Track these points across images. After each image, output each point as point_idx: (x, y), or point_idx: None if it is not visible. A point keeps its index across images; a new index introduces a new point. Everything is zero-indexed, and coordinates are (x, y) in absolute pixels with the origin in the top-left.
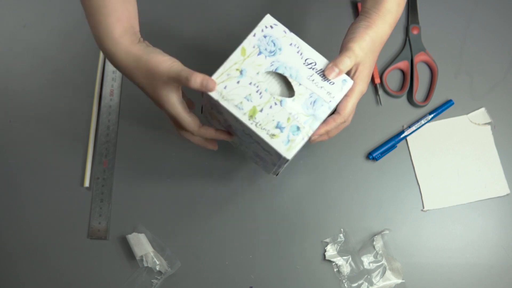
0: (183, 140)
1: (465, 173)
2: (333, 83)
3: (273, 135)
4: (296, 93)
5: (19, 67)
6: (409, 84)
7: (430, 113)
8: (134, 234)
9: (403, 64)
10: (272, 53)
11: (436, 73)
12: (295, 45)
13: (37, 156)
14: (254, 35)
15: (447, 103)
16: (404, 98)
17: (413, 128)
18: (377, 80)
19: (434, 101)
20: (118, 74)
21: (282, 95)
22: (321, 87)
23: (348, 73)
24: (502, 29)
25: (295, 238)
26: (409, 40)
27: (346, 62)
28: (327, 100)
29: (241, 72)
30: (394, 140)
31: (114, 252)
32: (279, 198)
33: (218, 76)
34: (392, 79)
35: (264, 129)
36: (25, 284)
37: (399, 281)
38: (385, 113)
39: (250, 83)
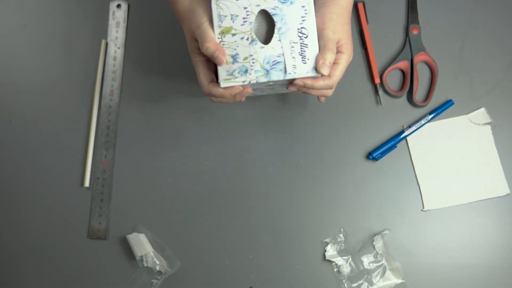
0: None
1: (465, 173)
2: (305, 63)
3: (226, 61)
4: (270, 44)
5: (19, 67)
6: (409, 84)
7: (430, 113)
8: (134, 234)
9: (403, 64)
10: (284, 1)
11: (436, 73)
12: (305, 10)
13: (37, 156)
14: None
15: (447, 103)
16: (404, 98)
17: (413, 128)
18: (377, 80)
19: (434, 101)
20: (118, 74)
21: (258, 36)
22: (293, 57)
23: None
24: (502, 29)
25: (295, 238)
26: (409, 40)
27: (331, 55)
28: (288, 70)
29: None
30: (394, 140)
31: (114, 252)
32: (279, 198)
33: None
34: (392, 79)
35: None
36: (25, 284)
37: (399, 281)
38: (385, 113)
39: (245, 8)
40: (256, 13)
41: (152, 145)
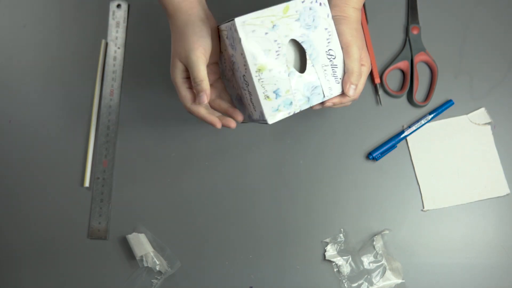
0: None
1: (465, 173)
2: (338, 83)
3: (267, 97)
4: (306, 72)
5: (19, 67)
6: (409, 84)
7: (430, 113)
8: (134, 234)
9: (403, 64)
10: (308, 27)
11: (436, 73)
12: (328, 32)
13: (37, 156)
14: (303, 2)
15: (447, 103)
16: (404, 98)
17: (413, 128)
18: (377, 80)
19: (434, 101)
20: (118, 74)
21: (294, 66)
22: (328, 80)
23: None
24: (502, 29)
25: (295, 238)
26: (409, 40)
27: (356, 78)
28: (326, 93)
29: (273, 26)
30: (394, 140)
31: (114, 252)
32: (278, 198)
33: (253, 17)
34: (392, 79)
35: (263, 87)
36: (25, 284)
37: (399, 281)
38: (385, 113)
39: (275, 41)
40: (286, 44)
41: (152, 145)
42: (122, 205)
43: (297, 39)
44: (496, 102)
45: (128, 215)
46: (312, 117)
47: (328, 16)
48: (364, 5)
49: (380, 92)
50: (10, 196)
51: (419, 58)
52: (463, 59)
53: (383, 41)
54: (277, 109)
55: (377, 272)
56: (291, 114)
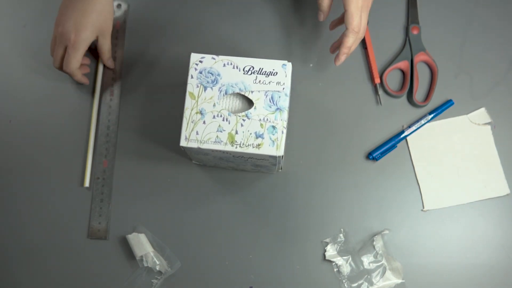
0: None
1: (465, 173)
2: (276, 73)
3: (258, 145)
4: (254, 101)
5: (19, 67)
6: (409, 84)
7: (430, 113)
8: (134, 234)
9: (403, 64)
10: (215, 82)
11: (436, 73)
12: (228, 63)
13: (37, 156)
14: (192, 77)
15: (447, 103)
16: (404, 98)
17: (413, 128)
18: (377, 80)
19: (434, 101)
20: (118, 74)
21: (244, 109)
22: (269, 82)
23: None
24: (502, 29)
25: (295, 238)
26: (409, 40)
27: (351, 40)
28: (280, 89)
29: (201, 113)
30: (394, 140)
31: (114, 252)
32: (278, 198)
33: (185, 127)
34: (392, 79)
35: (248, 145)
36: (25, 284)
37: (399, 281)
38: (385, 113)
39: (214, 117)
40: (220, 108)
41: (152, 144)
42: (122, 205)
43: (221, 96)
44: (496, 102)
45: (128, 215)
46: (312, 117)
47: (214, 58)
48: None
49: (380, 92)
50: (10, 196)
51: (419, 58)
52: (463, 59)
53: (383, 41)
54: (273, 142)
55: (377, 272)
56: (284, 131)
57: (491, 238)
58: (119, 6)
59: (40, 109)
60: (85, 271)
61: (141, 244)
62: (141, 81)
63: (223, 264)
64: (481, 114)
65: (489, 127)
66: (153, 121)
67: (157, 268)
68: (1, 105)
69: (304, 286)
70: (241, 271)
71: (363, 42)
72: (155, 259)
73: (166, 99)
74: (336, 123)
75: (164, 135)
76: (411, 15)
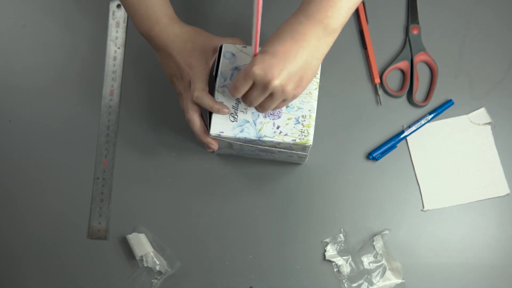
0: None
1: (465, 173)
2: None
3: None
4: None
5: (19, 67)
6: (409, 84)
7: (430, 113)
8: (134, 234)
9: (403, 64)
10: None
11: (436, 73)
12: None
13: (37, 156)
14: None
15: (447, 103)
16: (404, 98)
17: (413, 128)
18: (377, 80)
19: (434, 101)
20: (118, 74)
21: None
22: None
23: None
24: (502, 29)
25: (295, 238)
26: (409, 40)
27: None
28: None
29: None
30: (394, 140)
31: (114, 252)
32: (278, 198)
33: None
34: (392, 79)
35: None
36: (25, 284)
37: (399, 281)
38: (385, 113)
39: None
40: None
41: (152, 145)
42: (122, 205)
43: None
44: (496, 102)
45: (128, 215)
46: None
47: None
48: (364, 5)
49: (380, 92)
50: (10, 196)
51: (419, 58)
52: (463, 59)
53: (383, 41)
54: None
55: (377, 272)
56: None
57: (491, 238)
58: (119, 6)
59: (40, 108)
60: (85, 271)
61: (141, 244)
62: (141, 80)
63: (223, 264)
64: (481, 114)
65: (489, 127)
66: (153, 121)
67: (157, 268)
68: (1, 105)
69: (304, 286)
70: (241, 271)
71: (363, 42)
72: (155, 259)
73: (167, 99)
74: (336, 123)
75: (164, 135)
76: (411, 15)
